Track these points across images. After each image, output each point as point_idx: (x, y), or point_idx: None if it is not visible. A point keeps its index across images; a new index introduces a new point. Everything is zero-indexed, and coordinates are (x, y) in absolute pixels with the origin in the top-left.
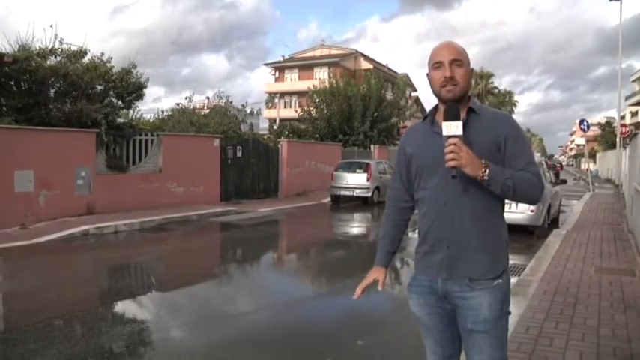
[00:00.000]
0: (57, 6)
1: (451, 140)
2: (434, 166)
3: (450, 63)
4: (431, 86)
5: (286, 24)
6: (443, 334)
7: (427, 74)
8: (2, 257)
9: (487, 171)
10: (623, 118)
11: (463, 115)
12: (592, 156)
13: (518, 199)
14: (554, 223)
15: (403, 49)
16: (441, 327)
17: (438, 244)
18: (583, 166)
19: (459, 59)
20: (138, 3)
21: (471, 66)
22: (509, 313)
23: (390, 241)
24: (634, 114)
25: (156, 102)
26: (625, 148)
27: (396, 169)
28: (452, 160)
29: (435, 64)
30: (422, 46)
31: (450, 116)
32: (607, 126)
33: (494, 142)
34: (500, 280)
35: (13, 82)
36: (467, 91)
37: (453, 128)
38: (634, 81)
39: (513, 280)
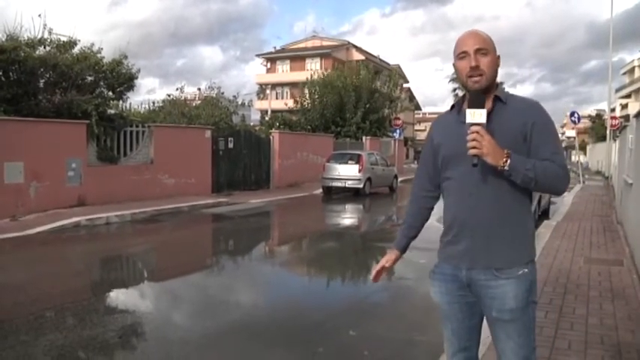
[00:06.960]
0: None
1: (473, 128)
2: (459, 156)
3: (474, 52)
4: (458, 76)
5: (283, 16)
6: (461, 324)
7: (454, 64)
8: None
9: (508, 161)
10: (613, 110)
11: (489, 104)
12: (582, 148)
13: (542, 190)
14: (544, 214)
15: (398, 41)
16: (460, 317)
17: (462, 233)
18: (573, 158)
19: (484, 48)
20: None
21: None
22: (536, 302)
23: (408, 226)
24: (624, 106)
25: (150, 93)
26: (615, 140)
27: (422, 158)
28: (473, 147)
29: (460, 54)
30: (417, 38)
31: (474, 105)
32: (597, 118)
33: (520, 130)
34: (525, 270)
35: (1, 73)
36: (493, 80)
37: (476, 116)
38: (624, 74)
39: None
